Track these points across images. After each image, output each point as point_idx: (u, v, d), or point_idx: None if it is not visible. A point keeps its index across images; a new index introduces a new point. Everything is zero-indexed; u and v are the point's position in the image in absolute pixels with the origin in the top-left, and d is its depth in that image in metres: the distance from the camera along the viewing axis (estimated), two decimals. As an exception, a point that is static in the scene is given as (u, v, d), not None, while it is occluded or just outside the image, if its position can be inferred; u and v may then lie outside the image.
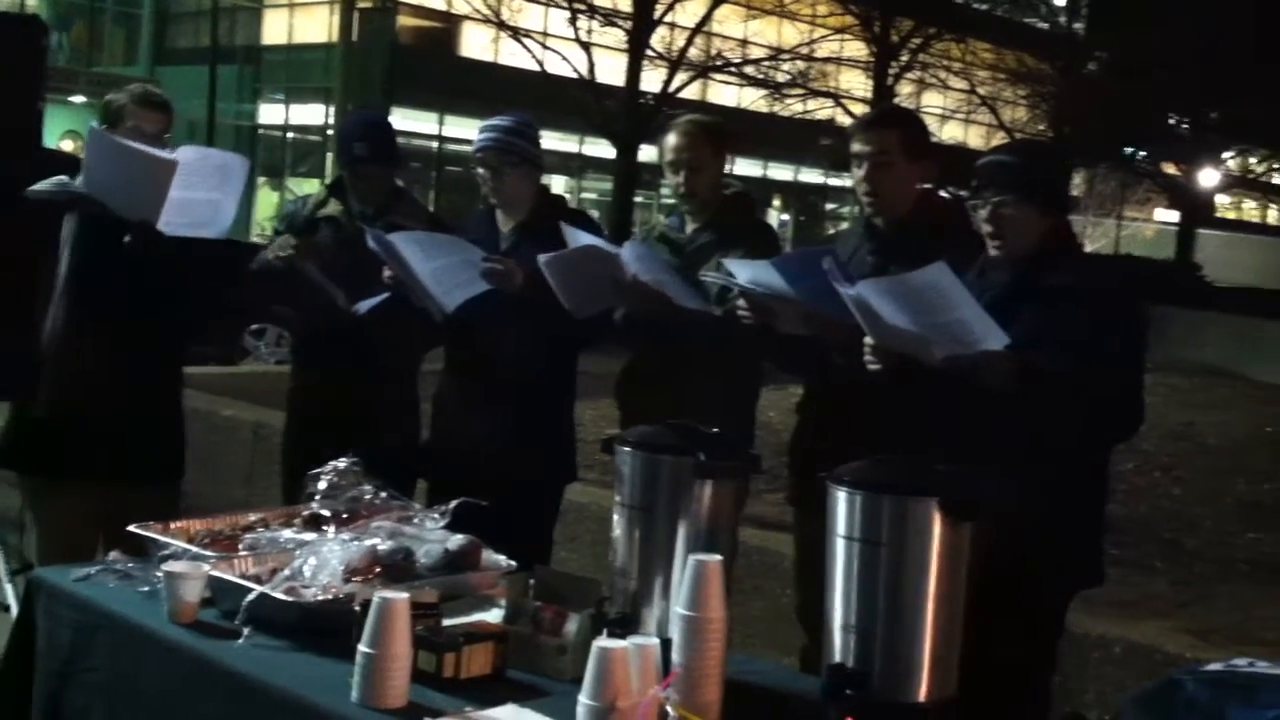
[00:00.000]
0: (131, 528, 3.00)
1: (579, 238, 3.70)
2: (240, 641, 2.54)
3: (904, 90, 30.21)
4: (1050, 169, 3.26)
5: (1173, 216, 38.22)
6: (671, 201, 4.10)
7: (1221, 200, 45.33)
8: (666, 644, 2.32)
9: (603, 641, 2.23)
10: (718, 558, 2.33)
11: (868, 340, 3.05)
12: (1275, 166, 38.01)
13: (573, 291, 3.64)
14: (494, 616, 2.67)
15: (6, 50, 5.08)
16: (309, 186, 5.42)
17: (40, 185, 3.84)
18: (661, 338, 3.70)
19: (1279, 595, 5.91)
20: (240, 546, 2.89)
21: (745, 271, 3.39)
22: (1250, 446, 10.29)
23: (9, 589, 4.46)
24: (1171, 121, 32.67)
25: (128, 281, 3.80)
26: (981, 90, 32.45)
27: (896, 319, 2.92)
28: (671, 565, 2.54)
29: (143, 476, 3.91)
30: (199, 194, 3.84)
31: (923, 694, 2.25)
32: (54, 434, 3.88)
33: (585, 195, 32.78)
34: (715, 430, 2.68)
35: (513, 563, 2.93)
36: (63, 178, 3.88)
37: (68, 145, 24.39)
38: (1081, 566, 3.16)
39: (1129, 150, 33.65)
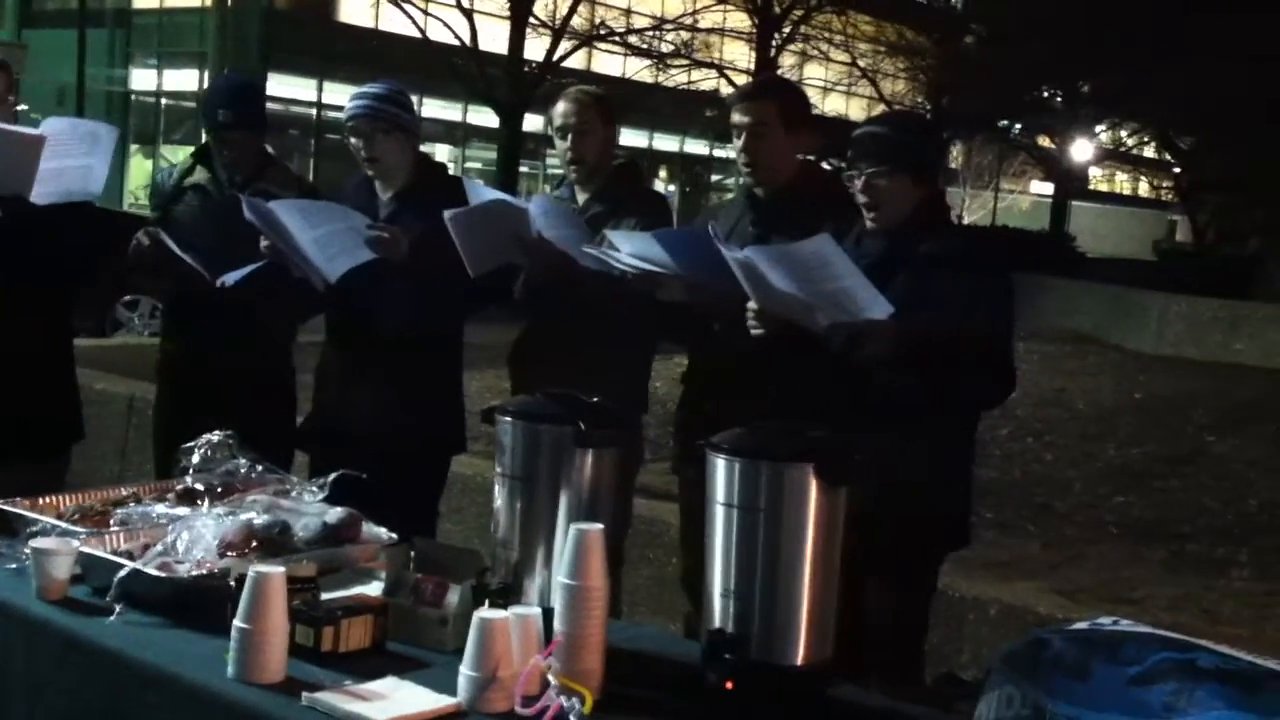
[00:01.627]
0: (-3, 504, 2.92)
1: (484, 193, 3.67)
2: (112, 619, 2.48)
3: (786, 62, 30.47)
4: (923, 140, 3.32)
5: (1048, 189, 39.12)
6: (558, 171, 4.10)
7: (1095, 173, 46.54)
8: (548, 613, 2.32)
9: (484, 612, 2.23)
10: (599, 526, 2.33)
11: (751, 305, 3.08)
12: (1146, 140, 39.05)
13: (475, 248, 3.59)
14: (375, 590, 2.65)
15: None
16: (183, 154, 5.32)
17: None
18: (561, 303, 3.69)
19: (1145, 556, 6.11)
20: (112, 522, 2.82)
21: (627, 245, 3.39)
22: (1119, 412, 10.62)
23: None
24: (1046, 94, 33.36)
25: (3, 253, 3.71)
26: (862, 63, 32.86)
27: (782, 284, 2.96)
28: (553, 535, 2.53)
29: (34, 446, 3.84)
30: (69, 161, 3.78)
31: (800, 657, 2.28)
32: None
33: (469, 164, 32.50)
34: (597, 399, 2.68)
35: (393, 535, 2.91)
36: None
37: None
38: (951, 528, 3.24)
39: (1005, 123, 34.31)
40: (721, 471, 2.32)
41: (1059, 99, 33.29)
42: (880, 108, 32.00)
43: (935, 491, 3.09)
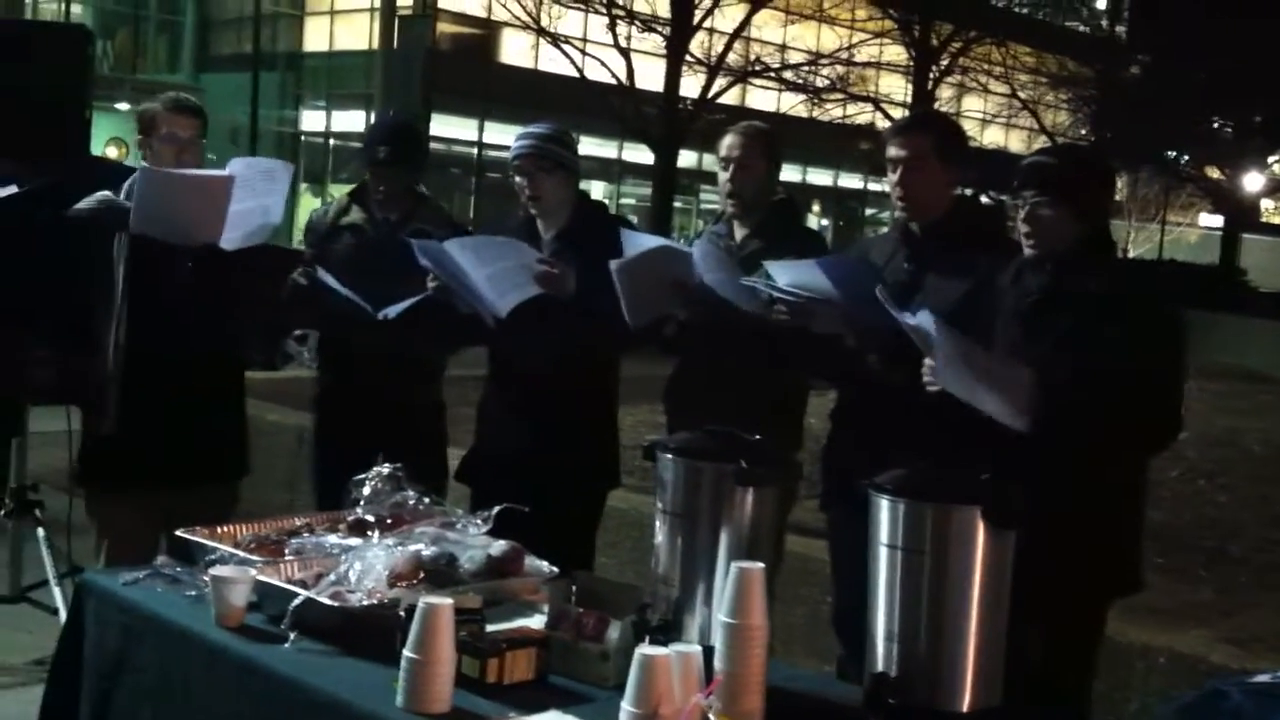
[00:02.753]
0: (179, 532, 3.04)
1: (641, 240, 3.72)
2: (286, 646, 2.56)
3: (944, 94, 30.09)
4: (1089, 172, 3.26)
5: (1217, 221, 37.85)
6: (712, 207, 4.13)
7: (1267, 205, 44.86)
8: (709, 651, 2.32)
9: (645, 648, 2.24)
10: (760, 565, 2.33)
11: (929, 362, 3.05)
12: (1321, 170, 37.55)
13: (637, 295, 3.63)
14: (536, 622, 2.68)
15: (55, 60, 5.15)
16: (341, 194, 5.46)
17: (83, 204, 3.89)
18: (715, 345, 3.71)
19: (1325, 604, 5.85)
20: (286, 551, 2.91)
21: (787, 274, 3.39)
22: (1295, 454, 10.19)
23: (57, 592, 4.51)
24: (1215, 125, 32.34)
25: (191, 297, 3.86)
26: (1022, 94, 32.25)
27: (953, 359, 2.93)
28: (713, 572, 2.54)
29: (207, 478, 3.98)
30: (249, 203, 3.89)
31: (966, 703, 2.24)
32: (122, 446, 3.92)
33: (624, 201, 32.79)
34: (757, 437, 2.68)
35: (554, 569, 2.94)
36: (106, 194, 3.92)
37: (113, 152, 24.64)
38: (1121, 573, 3.15)
39: (1172, 154, 33.35)
40: (885, 512, 2.30)
41: (1228, 129, 32.24)
42: (1041, 139, 31.40)
43: (1104, 534, 3.01)
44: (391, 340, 3.96)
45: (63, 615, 4.16)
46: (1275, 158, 35.41)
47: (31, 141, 4.40)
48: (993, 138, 33.20)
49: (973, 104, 32.41)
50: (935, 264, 3.38)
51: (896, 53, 29.02)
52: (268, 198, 3.94)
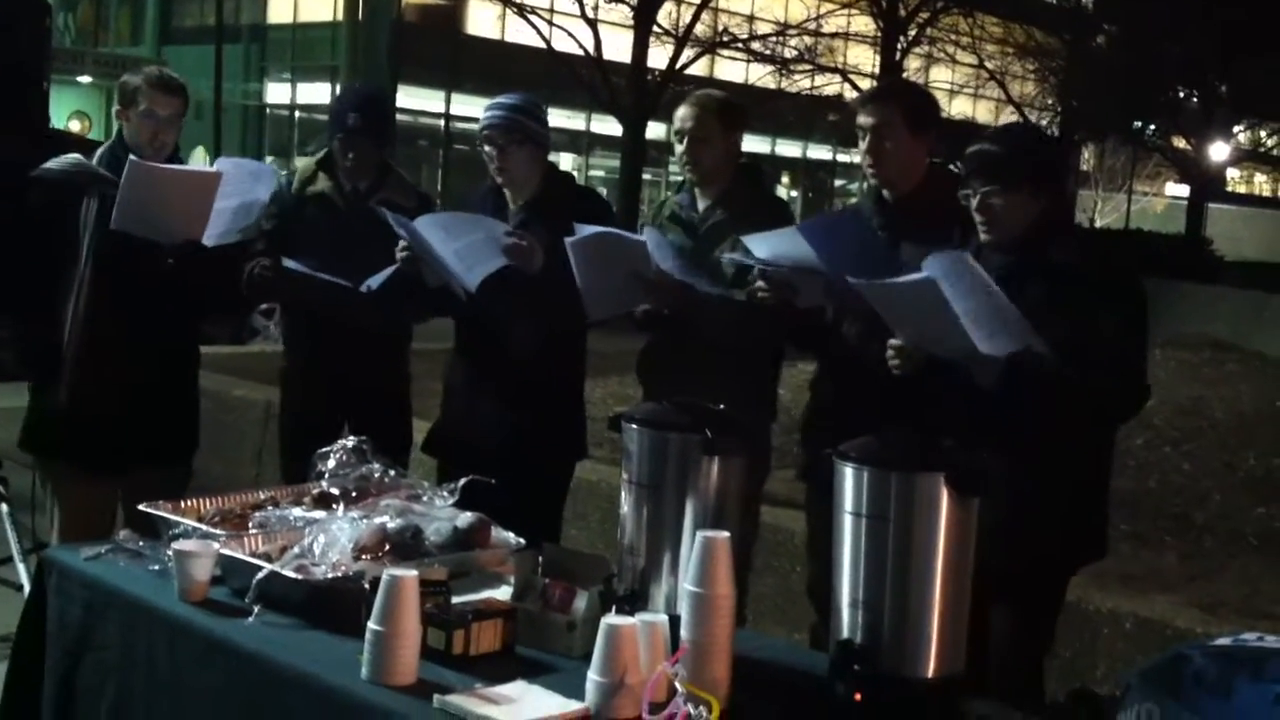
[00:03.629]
0: (142, 507, 3.02)
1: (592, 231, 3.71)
2: (250, 620, 2.55)
3: (912, 65, 30.09)
4: (1036, 155, 3.19)
5: (1183, 191, 38.07)
6: (681, 178, 4.10)
7: (1233, 174, 45.16)
8: (675, 621, 2.33)
9: (611, 618, 2.24)
10: (725, 534, 2.33)
11: (893, 341, 3.04)
12: (1287, 139, 37.81)
13: (592, 281, 3.62)
14: (503, 594, 2.68)
15: (11, 32, 5.09)
16: (305, 162, 5.38)
17: (53, 163, 3.84)
18: (681, 329, 3.71)
19: (1288, 569, 5.90)
20: (250, 525, 2.90)
21: (765, 245, 3.38)
22: (1259, 421, 10.27)
23: (21, 568, 4.48)
24: (1181, 95, 32.48)
25: (167, 288, 3.86)
26: (990, 65, 32.30)
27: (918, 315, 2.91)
28: (680, 542, 2.54)
29: (160, 456, 3.97)
30: (232, 201, 3.91)
31: (930, 670, 2.25)
32: (74, 418, 3.91)
33: (593, 173, 32.72)
34: (723, 407, 2.67)
35: (521, 540, 2.94)
36: (77, 156, 3.89)
37: (75, 126, 24.41)
38: (1087, 538, 3.16)
39: (1138, 124, 33.48)
40: (850, 480, 2.30)
41: (1194, 99, 32.39)
42: (1009, 110, 31.47)
43: (1070, 500, 3.03)
44: (363, 311, 3.94)
45: (26, 591, 4.14)
46: (1240, 128, 35.64)
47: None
48: (960, 108, 33.28)
49: (940, 75, 32.45)
50: (909, 232, 3.37)
51: (864, 23, 29.02)
52: (250, 196, 3.97)
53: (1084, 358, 2.89)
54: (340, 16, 29.62)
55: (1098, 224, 37.31)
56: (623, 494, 2.66)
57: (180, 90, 4.01)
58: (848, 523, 2.31)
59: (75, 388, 3.90)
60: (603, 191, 23.23)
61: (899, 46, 28.41)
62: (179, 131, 4.06)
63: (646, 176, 28.19)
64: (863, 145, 3.50)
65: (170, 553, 2.73)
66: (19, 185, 3.90)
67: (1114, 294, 3.04)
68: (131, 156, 3.79)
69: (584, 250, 3.58)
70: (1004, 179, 3.03)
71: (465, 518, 2.89)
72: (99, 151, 3.99)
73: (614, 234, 3.66)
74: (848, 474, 2.31)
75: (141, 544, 2.90)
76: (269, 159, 30.78)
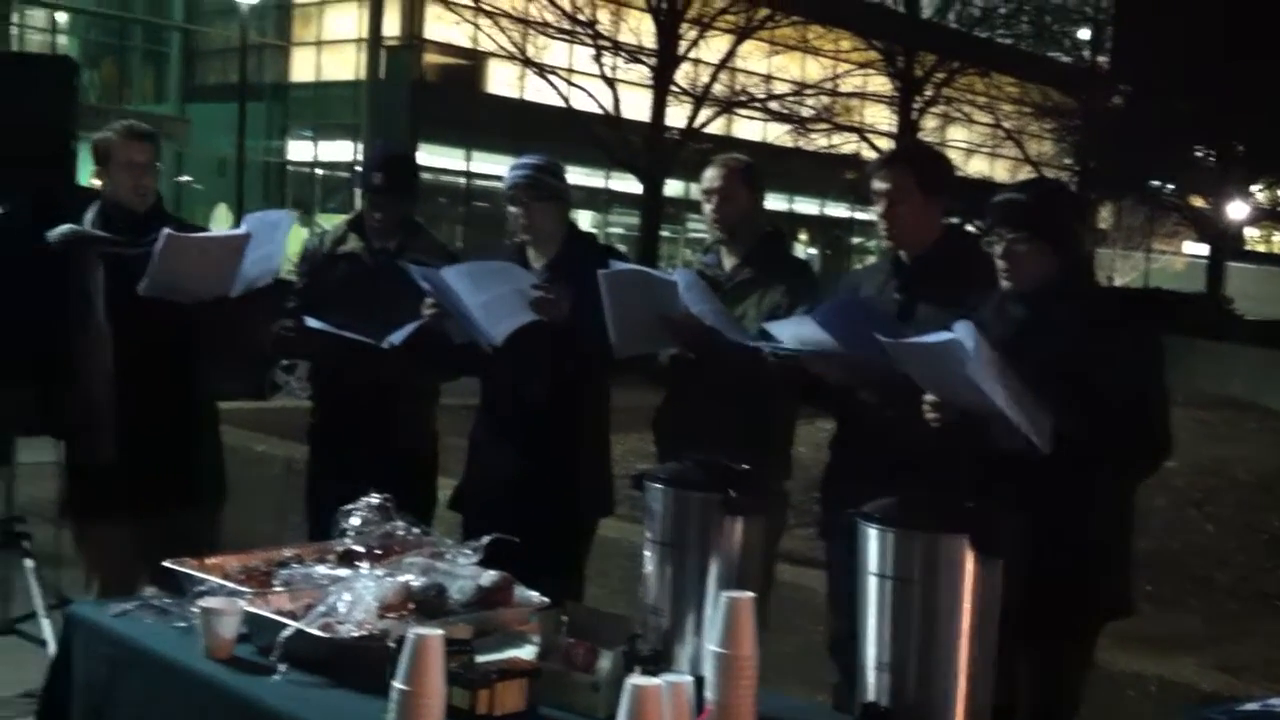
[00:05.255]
0: (167, 563, 3.03)
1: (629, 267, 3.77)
2: (276, 678, 2.55)
3: (929, 124, 30.23)
4: (1061, 207, 3.28)
5: (1202, 250, 38.02)
6: (699, 235, 4.18)
7: (1252, 233, 45.10)
8: (699, 681, 2.32)
9: (636, 679, 2.23)
10: (750, 595, 2.34)
11: (928, 397, 3.06)
12: (1306, 198, 37.77)
13: (622, 316, 3.65)
14: (526, 653, 2.67)
15: (41, 90, 5.17)
16: (338, 220, 5.48)
17: (52, 235, 3.90)
18: (706, 376, 3.73)
19: (1313, 632, 5.86)
20: (275, 582, 2.90)
21: (784, 330, 3.42)
22: (1281, 481, 10.22)
23: (46, 624, 4.48)
24: (1198, 154, 32.54)
25: (192, 341, 3.92)
26: (1007, 124, 32.44)
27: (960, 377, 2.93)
28: (703, 602, 2.54)
29: (184, 506, 3.99)
30: (254, 254, 3.97)
31: (956, 732, 2.25)
32: (104, 476, 3.93)
33: (611, 230, 32.86)
34: (744, 466, 2.68)
35: (545, 599, 2.94)
36: (70, 225, 3.94)
37: (99, 182, 24.56)
38: (1111, 596, 3.15)
39: (1156, 183, 33.54)
40: (874, 542, 2.31)
41: (1211, 157, 32.45)
42: (1026, 169, 31.54)
43: (1093, 558, 3.02)
44: (389, 368, 3.98)
45: (51, 647, 4.14)
46: (1258, 186, 35.64)
47: (18, 172, 4.42)
48: (978, 167, 33.37)
49: (958, 134, 32.59)
50: (926, 293, 3.40)
51: (881, 83, 29.18)
52: (269, 245, 4.03)
53: (1102, 410, 2.90)
54: (362, 75, 29.97)
55: (1116, 283, 37.27)
56: (646, 553, 2.67)
57: (153, 137, 4.12)
58: (872, 584, 2.31)
59: (105, 444, 3.92)
60: (623, 249, 23.32)
61: (916, 106, 28.57)
62: (157, 177, 4.14)
63: (665, 234, 28.29)
64: (878, 209, 3.55)
65: (196, 610, 2.74)
66: (37, 244, 3.96)
67: (1132, 347, 3.06)
68: (167, 230, 3.83)
69: (616, 284, 3.63)
70: (1028, 226, 3.08)
71: (489, 576, 2.89)
72: (88, 216, 4.03)
73: (646, 272, 3.74)
74: (871, 535, 2.31)
75: (168, 601, 2.91)
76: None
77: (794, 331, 3.39)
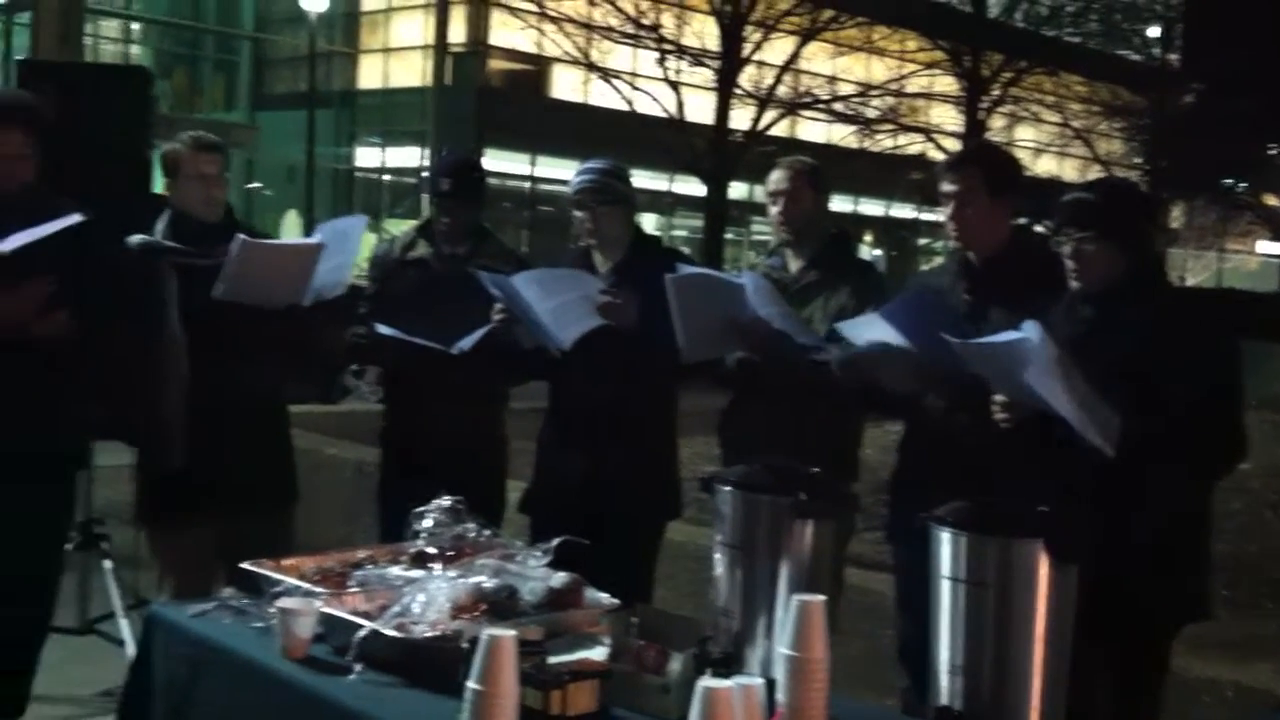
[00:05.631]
0: (245, 565, 3.08)
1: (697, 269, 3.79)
2: (351, 677, 2.58)
3: (996, 124, 29.94)
4: (1130, 206, 3.27)
5: (1277, 249, 37.36)
6: (763, 238, 4.20)
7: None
8: (770, 684, 2.33)
9: (707, 681, 2.24)
10: (821, 598, 2.34)
11: (998, 398, 3.05)
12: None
13: (690, 321, 3.66)
14: (596, 654, 2.69)
15: (119, 100, 5.27)
16: (406, 226, 5.52)
17: (130, 242, 3.97)
18: (774, 382, 3.74)
19: (1393, 638, 5.74)
20: (350, 583, 2.94)
21: (853, 329, 3.42)
22: (1360, 484, 10.01)
23: (124, 624, 4.57)
24: (1271, 151, 31.98)
25: (267, 348, 3.97)
26: (1075, 123, 32.06)
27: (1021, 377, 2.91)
28: (773, 605, 2.55)
29: (258, 507, 4.04)
30: (327, 263, 4.01)
31: (1031, 736, 2.23)
32: (176, 482, 3.99)
33: (676, 233, 32.86)
34: (814, 469, 2.69)
35: (615, 600, 2.95)
36: (142, 236, 4.00)
37: (169, 193, 24.91)
38: (1188, 600, 3.12)
39: (1228, 181, 33.00)
40: (947, 546, 2.30)
41: (1285, 156, 31.89)
42: (1095, 169, 31.16)
43: (1169, 562, 2.99)
44: (460, 373, 4.01)
45: (129, 647, 4.23)
46: (1335, 183, 34.97)
47: (96, 181, 4.50)
48: (1046, 167, 32.99)
49: (1025, 133, 32.24)
50: (995, 295, 3.39)
51: (948, 83, 28.95)
52: (341, 256, 4.06)
53: (1173, 411, 2.87)
54: (428, 82, 30.22)
55: (1188, 283, 36.70)
56: (715, 556, 2.68)
57: (220, 148, 4.16)
58: (945, 588, 2.30)
59: (174, 453, 3.97)
60: (687, 251, 23.30)
61: (983, 106, 28.32)
62: (226, 187, 4.18)
63: (729, 236, 28.25)
64: (946, 210, 3.53)
65: (273, 610, 2.78)
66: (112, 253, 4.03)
67: (1204, 346, 3.04)
68: (241, 236, 3.87)
69: (683, 288, 3.65)
70: (1097, 226, 3.07)
71: (559, 578, 2.91)
72: (159, 227, 4.06)
73: (714, 275, 3.77)
74: (945, 539, 2.31)
75: (245, 601, 2.96)
76: (358, 221, 31.35)
77: (862, 331, 3.38)
